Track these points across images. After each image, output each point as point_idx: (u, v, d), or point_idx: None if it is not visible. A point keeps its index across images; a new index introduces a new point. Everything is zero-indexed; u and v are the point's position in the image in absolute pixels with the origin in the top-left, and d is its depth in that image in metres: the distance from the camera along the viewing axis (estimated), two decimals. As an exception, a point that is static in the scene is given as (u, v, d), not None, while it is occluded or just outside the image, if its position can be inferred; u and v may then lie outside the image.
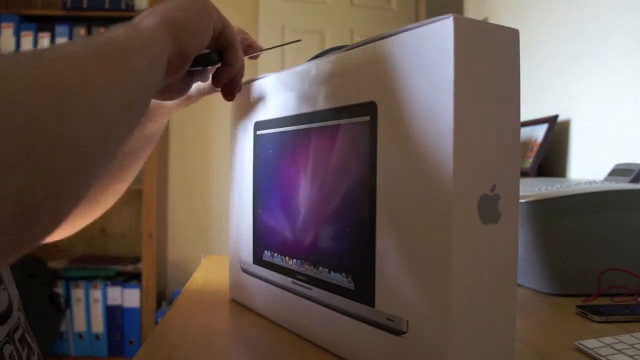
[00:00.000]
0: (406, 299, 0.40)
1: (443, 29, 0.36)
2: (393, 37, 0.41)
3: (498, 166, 0.38)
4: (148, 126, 0.61)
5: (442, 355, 0.37)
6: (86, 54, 0.30)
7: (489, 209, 0.38)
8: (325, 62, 0.50)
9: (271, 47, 0.55)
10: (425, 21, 0.38)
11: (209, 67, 0.51)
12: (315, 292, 0.50)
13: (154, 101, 0.58)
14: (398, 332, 0.40)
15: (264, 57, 0.63)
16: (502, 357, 0.40)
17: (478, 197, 0.37)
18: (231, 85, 0.52)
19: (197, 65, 0.48)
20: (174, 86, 0.48)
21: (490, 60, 0.38)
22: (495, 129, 0.38)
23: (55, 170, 0.25)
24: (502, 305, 0.39)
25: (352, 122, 0.45)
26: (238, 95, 0.55)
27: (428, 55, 0.38)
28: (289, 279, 0.54)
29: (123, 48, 0.33)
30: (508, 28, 0.39)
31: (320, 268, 0.49)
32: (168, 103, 0.59)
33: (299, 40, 0.58)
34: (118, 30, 0.35)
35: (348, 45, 0.47)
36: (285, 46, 0.54)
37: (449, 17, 0.36)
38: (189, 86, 0.51)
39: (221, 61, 0.50)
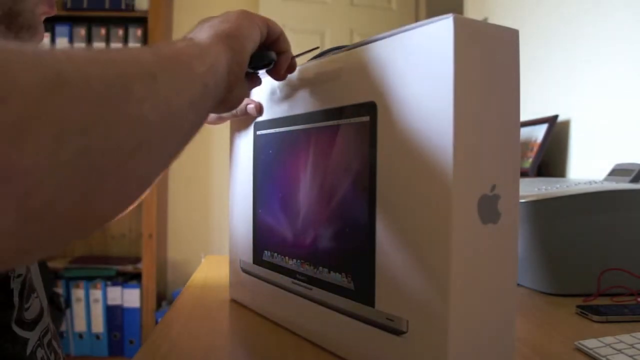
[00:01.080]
0: (406, 299, 0.40)
1: (443, 29, 0.36)
2: (393, 37, 0.41)
3: (498, 166, 0.38)
4: None
5: (442, 355, 0.37)
6: (148, 52, 0.31)
7: (488, 209, 0.38)
8: (326, 62, 0.50)
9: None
10: (425, 21, 0.38)
11: (259, 72, 0.52)
12: (315, 292, 0.50)
13: None
14: (398, 332, 0.40)
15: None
16: (502, 357, 0.40)
17: (478, 197, 0.37)
18: (289, 69, 0.53)
19: (257, 67, 0.50)
20: (234, 96, 0.48)
21: (490, 61, 0.38)
22: (495, 129, 0.38)
23: (117, 142, 0.25)
24: (502, 305, 0.39)
25: (352, 122, 0.45)
26: None
27: (428, 56, 0.38)
28: (289, 279, 0.54)
29: (182, 52, 0.35)
30: (508, 28, 0.39)
31: (320, 268, 0.49)
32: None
33: (317, 48, 0.59)
34: (175, 42, 0.37)
35: (348, 45, 0.47)
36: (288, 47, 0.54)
37: (448, 17, 0.36)
38: (246, 94, 0.52)
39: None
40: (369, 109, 0.43)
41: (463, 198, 0.36)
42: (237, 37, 0.42)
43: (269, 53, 0.49)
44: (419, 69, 0.38)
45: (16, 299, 0.44)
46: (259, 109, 0.60)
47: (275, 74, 0.52)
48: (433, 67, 0.37)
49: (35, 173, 0.21)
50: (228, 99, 0.45)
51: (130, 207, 0.35)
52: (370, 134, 0.43)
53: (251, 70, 0.50)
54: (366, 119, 0.43)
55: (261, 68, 0.50)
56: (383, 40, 0.42)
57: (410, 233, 0.39)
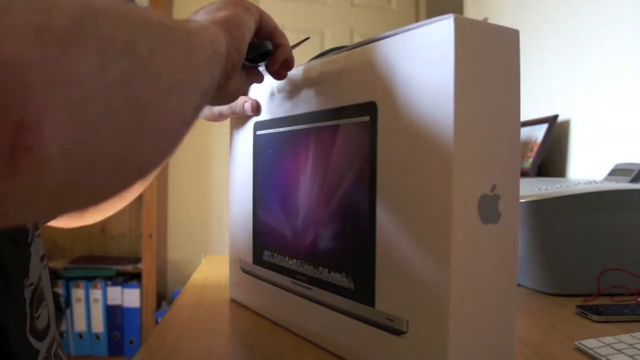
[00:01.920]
0: (406, 299, 0.40)
1: (443, 29, 0.36)
2: (393, 37, 0.41)
3: (498, 166, 0.38)
4: None
5: (442, 356, 0.37)
6: (157, 12, 0.31)
7: (489, 209, 0.38)
8: (326, 62, 0.50)
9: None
10: (426, 21, 0.38)
11: (259, 67, 0.51)
12: (315, 292, 0.50)
13: None
14: (398, 332, 0.40)
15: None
16: (502, 357, 0.40)
17: (478, 197, 0.37)
18: (287, 64, 0.51)
19: (254, 60, 0.48)
20: (232, 86, 0.47)
21: (491, 61, 0.38)
22: (496, 129, 0.38)
23: (155, 73, 0.26)
24: (502, 305, 0.39)
25: (352, 122, 0.45)
26: None
27: (428, 56, 0.38)
28: (289, 279, 0.54)
29: (186, 24, 0.35)
30: (508, 28, 0.39)
31: (320, 268, 0.49)
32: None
33: (308, 38, 0.59)
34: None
35: (348, 46, 0.47)
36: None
37: (449, 17, 0.36)
38: (244, 87, 0.50)
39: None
40: (370, 108, 0.43)
41: (463, 198, 0.36)
42: (234, 23, 0.41)
43: (265, 42, 0.48)
44: (419, 69, 0.38)
45: (27, 309, 0.43)
46: (256, 108, 0.60)
47: (271, 67, 0.50)
48: (433, 67, 0.37)
49: (87, 84, 0.21)
50: (226, 88, 0.44)
51: (162, 163, 0.35)
52: (370, 133, 0.43)
53: (248, 63, 0.49)
54: (366, 118, 0.43)
55: (258, 61, 0.50)
56: (383, 41, 0.42)
57: (411, 233, 0.39)
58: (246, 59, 0.46)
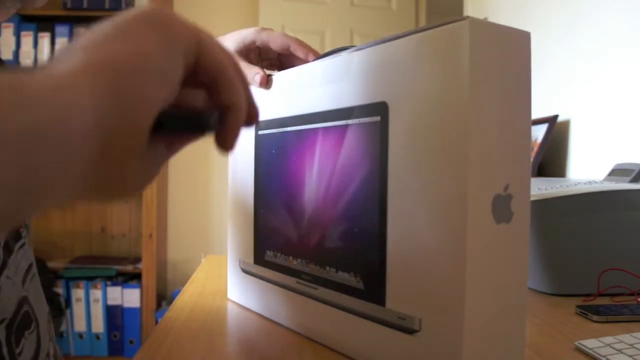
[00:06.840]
0: (419, 297, 0.40)
1: (458, 31, 0.36)
2: (407, 38, 0.41)
3: (511, 166, 0.39)
4: None
5: (457, 354, 0.37)
6: None
7: (502, 208, 0.38)
8: (334, 62, 0.49)
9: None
10: (440, 22, 0.38)
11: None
12: (322, 291, 0.50)
13: None
14: (410, 331, 0.40)
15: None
16: (512, 355, 0.40)
17: (492, 196, 0.37)
18: (249, 120, 0.33)
19: (174, 130, 0.29)
20: (129, 179, 0.27)
21: (503, 62, 0.38)
22: (508, 129, 0.39)
23: None
24: (513, 304, 0.40)
25: (362, 122, 0.45)
26: None
27: (442, 57, 0.38)
28: (294, 279, 0.54)
29: (20, 78, 0.21)
30: (520, 30, 0.39)
31: (327, 267, 0.49)
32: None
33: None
34: (27, 73, 0.21)
35: (355, 46, 0.47)
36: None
37: (464, 20, 0.36)
38: (151, 177, 0.30)
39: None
40: (380, 109, 0.43)
41: (478, 198, 0.37)
42: (129, 67, 0.24)
43: (204, 114, 0.28)
44: (433, 70, 0.38)
45: (4, 351, 0.36)
46: (266, 81, 0.51)
47: (221, 144, 0.31)
48: (447, 68, 0.37)
49: None
50: (110, 181, 0.25)
51: None
52: (381, 133, 0.43)
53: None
54: (377, 119, 0.43)
55: (186, 131, 0.30)
56: (397, 41, 0.42)
57: (424, 234, 0.39)
58: (160, 131, 0.26)
